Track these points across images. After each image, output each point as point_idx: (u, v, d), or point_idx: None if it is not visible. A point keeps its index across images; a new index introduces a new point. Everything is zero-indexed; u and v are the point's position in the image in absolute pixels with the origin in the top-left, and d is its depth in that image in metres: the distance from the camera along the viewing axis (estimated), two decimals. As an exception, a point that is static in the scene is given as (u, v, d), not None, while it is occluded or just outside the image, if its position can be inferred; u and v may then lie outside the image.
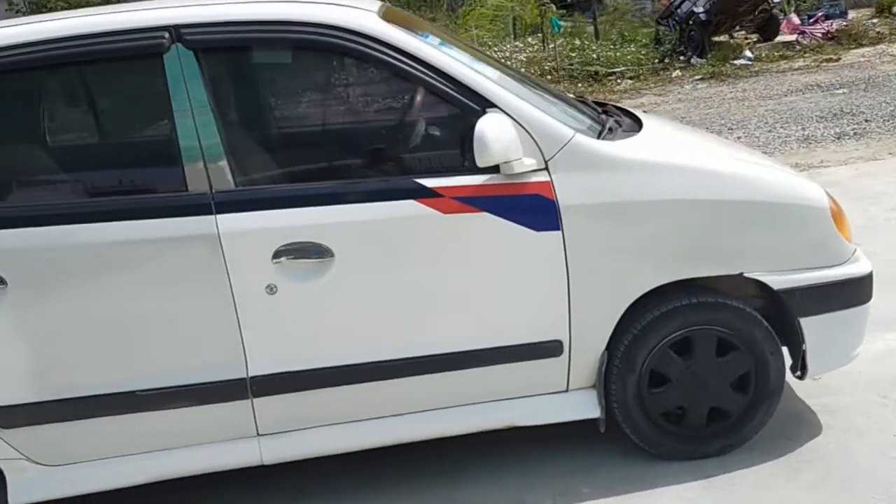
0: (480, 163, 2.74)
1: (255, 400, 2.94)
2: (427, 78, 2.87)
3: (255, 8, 2.92)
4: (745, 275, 3.02)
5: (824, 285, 3.05)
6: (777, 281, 3.03)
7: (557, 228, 2.90)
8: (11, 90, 2.83)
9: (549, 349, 3.00)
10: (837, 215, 3.11)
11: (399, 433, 3.07)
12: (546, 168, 2.90)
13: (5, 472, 2.95)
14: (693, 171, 3.00)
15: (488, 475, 3.22)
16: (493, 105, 2.87)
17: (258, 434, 3.00)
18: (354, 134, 3.16)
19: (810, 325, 3.08)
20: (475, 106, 2.86)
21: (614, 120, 3.35)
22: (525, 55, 14.93)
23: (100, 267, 2.80)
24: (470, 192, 2.86)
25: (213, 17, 2.87)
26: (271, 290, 2.84)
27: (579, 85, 12.84)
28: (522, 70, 12.70)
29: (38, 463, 2.96)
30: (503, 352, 2.98)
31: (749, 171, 3.09)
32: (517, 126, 2.85)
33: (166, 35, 2.80)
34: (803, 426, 3.30)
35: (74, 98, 3.05)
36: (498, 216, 2.88)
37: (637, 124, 3.36)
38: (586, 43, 14.88)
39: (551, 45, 14.63)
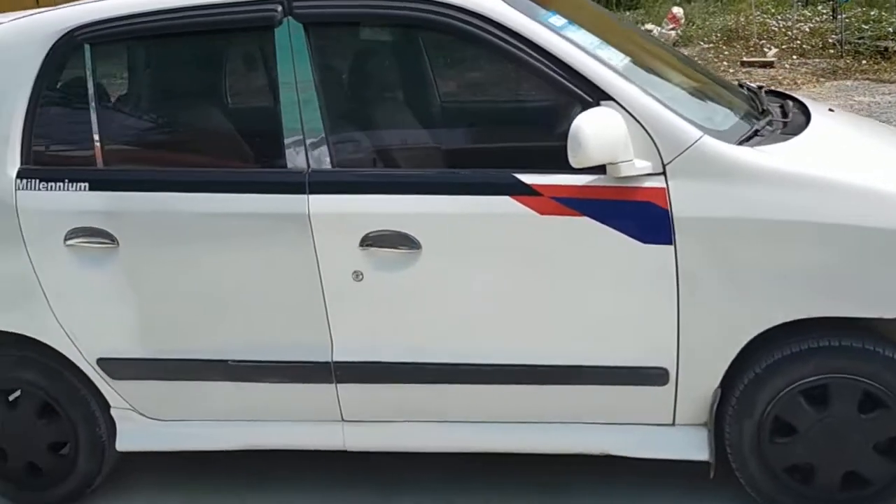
0: (574, 162, 2.44)
1: (339, 385, 2.87)
2: (538, 64, 2.59)
3: None
4: (904, 321, 2.49)
5: None
6: (946, 334, 2.47)
7: (669, 242, 2.53)
8: (127, 59, 2.92)
9: (653, 377, 2.66)
10: None
11: (487, 441, 2.88)
12: (664, 172, 2.53)
13: (116, 420, 3.11)
14: (849, 189, 2.49)
15: (590, 499, 2.96)
16: (609, 97, 2.54)
17: (342, 419, 2.94)
18: (456, 120, 2.95)
19: None
20: (588, 97, 2.55)
21: (775, 119, 2.87)
22: (809, 25, 13.60)
23: (199, 235, 2.83)
24: (571, 193, 2.57)
25: None
26: (357, 276, 2.73)
27: (863, 62, 11.49)
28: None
29: (143, 415, 3.09)
30: (598, 372, 2.68)
31: None
32: (635, 123, 2.51)
33: (279, 8, 2.74)
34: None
35: (188, 69, 3.09)
36: (601, 223, 2.56)
37: (806, 124, 2.87)
38: (884, 14, 13.26)
39: (841, 16, 13.20)
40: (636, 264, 2.57)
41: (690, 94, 2.88)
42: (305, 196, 2.71)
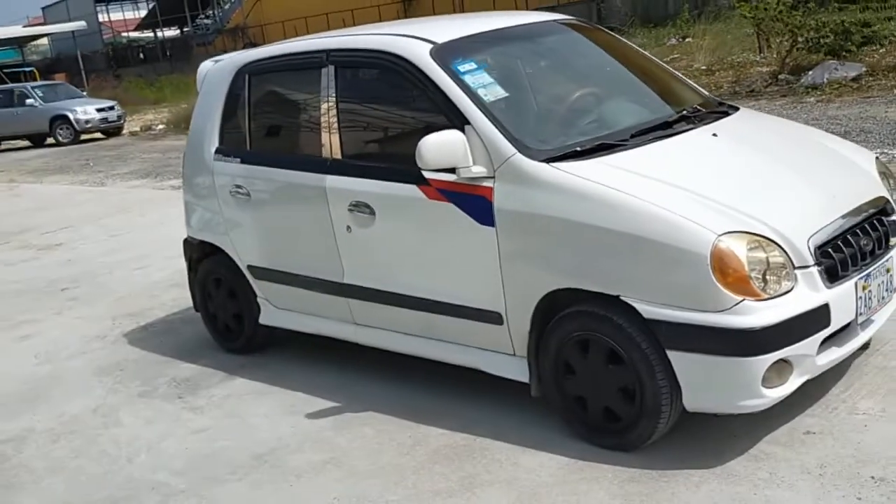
0: (420, 165, 3.72)
1: (349, 300, 4.48)
2: (435, 98, 3.89)
3: (361, 38, 4.37)
4: (622, 298, 3.35)
5: (688, 325, 3.19)
6: (646, 310, 3.29)
7: (493, 225, 3.69)
8: (266, 83, 4.83)
9: (492, 317, 3.82)
10: (727, 265, 3.13)
11: (416, 348, 4.28)
12: (494, 177, 3.68)
13: (260, 304, 5.09)
14: (591, 197, 3.40)
15: (458, 402, 4.17)
16: (468, 122, 3.75)
17: (354, 322, 4.54)
18: (400, 131, 4.30)
19: (679, 360, 3.28)
20: (457, 122, 3.79)
21: (635, 138, 3.75)
22: None
23: (282, 195, 4.66)
24: (446, 186, 3.84)
25: (343, 44, 4.39)
26: (349, 229, 4.30)
27: None
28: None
29: (271, 303, 5.02)
30: (464, 310, 3.92)
31: (641, 205, 3.30)
32: (480, 141, 3.70)
33: (325, 56, 4.40)
34: (705, 456, 3.41)
35: (284, 89, 4.87)
36: (458, 208, 3.80)
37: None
38: None
39: None
40: (476, 239, 3.76)
41: (561, 119, 3.93)
42: (325, 175, 4.35)
